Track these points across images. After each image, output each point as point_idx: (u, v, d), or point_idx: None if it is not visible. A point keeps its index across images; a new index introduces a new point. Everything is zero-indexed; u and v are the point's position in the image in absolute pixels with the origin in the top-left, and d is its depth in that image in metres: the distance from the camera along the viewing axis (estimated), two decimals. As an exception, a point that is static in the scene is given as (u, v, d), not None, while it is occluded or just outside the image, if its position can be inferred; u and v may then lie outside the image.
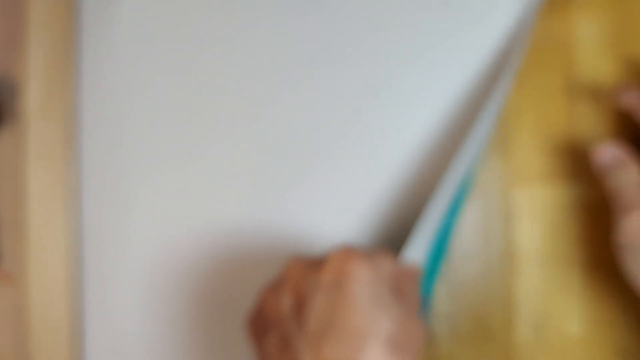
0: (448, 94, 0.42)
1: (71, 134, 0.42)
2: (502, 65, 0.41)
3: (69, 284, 0.41)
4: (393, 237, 0.42)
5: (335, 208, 0.41)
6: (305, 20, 0.42)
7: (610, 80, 0.43)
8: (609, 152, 0.39)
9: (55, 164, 0.41)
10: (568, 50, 0.43)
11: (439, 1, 0.42)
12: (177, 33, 0.42)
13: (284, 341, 0.26)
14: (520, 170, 0.43)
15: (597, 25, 0.43)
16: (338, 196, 0.42)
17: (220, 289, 0.41)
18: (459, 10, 0.42)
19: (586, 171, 0.43)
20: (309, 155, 0.42)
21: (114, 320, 0.42)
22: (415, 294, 0.30)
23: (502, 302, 0.42)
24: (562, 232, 0.43)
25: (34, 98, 0.41)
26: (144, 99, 0.42)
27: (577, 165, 0.43)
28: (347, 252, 0.27)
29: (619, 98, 0.40)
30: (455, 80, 0.43)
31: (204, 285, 0.41)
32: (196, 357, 0.41)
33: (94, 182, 0.42)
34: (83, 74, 0.42)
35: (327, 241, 0.40)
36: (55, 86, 0.42)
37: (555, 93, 0.43)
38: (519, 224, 0.43)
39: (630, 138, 0.43)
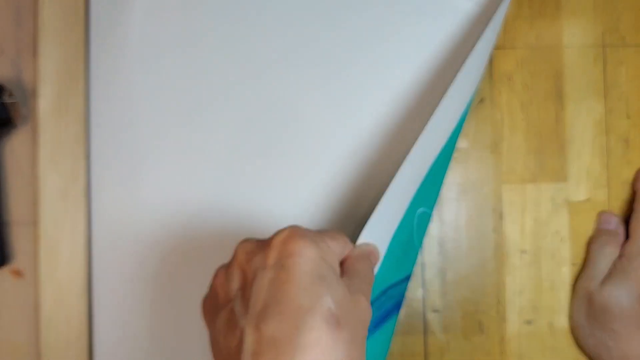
0: (409, 79, 0.43)
1: (82, 135, 0.43)
2: (463, 51, 0.41)
3: (80, 280, 0.42)
4: (353, 221, 0.43)
5: (295, 191, 0.43)
6: (281, 20, 0.44)
7: (599, 86, 0.45)
8: (613, 222, 0.43)
9: (67, 164, 0.42)
10: (558, 55, 0.45)
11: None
12: (181, 38, 0.44)
13: (231, 320, 0.26)
14: (512, 170, 0.44)
15: (587, 30, 0.45)
16: (298, 180, 0.43)
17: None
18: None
19: (577, 172, 0.45)
20: (273, 140, 0.43)
21: (123, 314, 0.42)
22: (365, 274, 0.30)
23: (494, 297, 0.44)
24: (551, 229, 0.44)
25: (47, 101, 0.42)
26: (150, 101, 0.43)
27: (566, 166, 0.45)
28: (292, 233, 0.27)
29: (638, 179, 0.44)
30: (413, 66, 0.44)
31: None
32: (203, 353, 0.42)
33: (104, 182, 0.43)
34: (94, 77, 0.43)
35: (286, 223, 0.41)
36: (68, 89, 0.43)
37: (545, 97, 0.45)
38: (510, 222, 0.44)
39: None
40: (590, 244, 0.44)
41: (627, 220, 0.43)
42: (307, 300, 0.25)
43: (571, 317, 0.43)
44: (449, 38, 0.44)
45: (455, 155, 0.44)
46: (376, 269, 0.33)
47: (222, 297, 0.28)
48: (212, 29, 0.44)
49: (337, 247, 0.29)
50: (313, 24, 0.44)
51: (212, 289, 0.29)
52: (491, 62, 0.45)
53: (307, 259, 0.26)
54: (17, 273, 0.43)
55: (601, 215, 0.44)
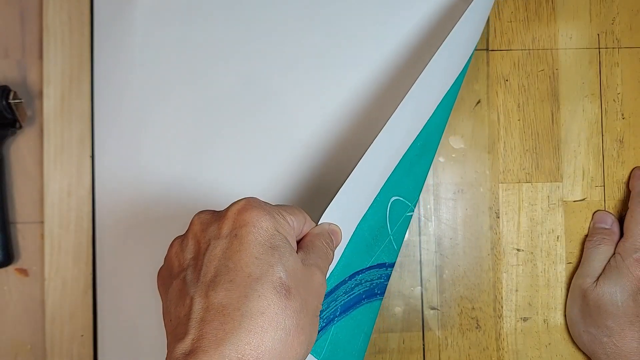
0: (382, 61, 0.44)
1: (87, 135, 0.43)
2: (441, 35, 0.41)
3: (84, 278, 0.43)
4: (321, 199, 0.43)
5: (262, 166, 0.43)
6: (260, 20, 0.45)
7: (594, 87, 0.45)
8: (609, 220, 0.44)
9: (72, 164, 0.43)
10: (554, 57, 0.46)
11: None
12: (182, 41, 0.44)
13: (182, 290, 0.26)
14: (508, 170, 0.45)
15: (583, 32, 0.46)
16: (264, 154, 0.43)
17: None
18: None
19: (572, 172, 0.45)
20: (240, 117, 0.44)
21: (127, 312, 0.43)
22: (323, 251, 0.30)
23: (491, 294, 0.45)
24: (547, 228, 0.45)
25: (52, 102, 0.43)
26: (152, 102, 0.44)
27: (562, 166, 0.45)
28: (247, 204, 0.28)
29: (634, 179, 0.45)
30: (389, 48, 0.44)
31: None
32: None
33: (108, 181, 0.43)
34: (98, 79, 0.44)
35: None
36: (72, 91, 0.43)
37: (541, 98, 0.45)
38: (506, 221, 0.45)
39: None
40: (585, 242, 0.44)
41: (621, 219, 0.44)
42: (258, 269, 0.25)
43: (566, 314, 0.44)
44: (425, 20, 0.44)
45: (452, 155, 0.45)
46: (340, 250, 0.33)
47: (176, 266, 0.28)
48: (212, 32, 0.44)
49: (295, 222, 0.29)
50: (300, 16, 0.44)
51: (167, 259, 0.29)
52: (488, 64, 0.45)
53: (260, 229, 0.27)
54: (22, 271, 0.44)
55: (596, 214, 0.45)
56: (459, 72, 0.40)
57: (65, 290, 0.42)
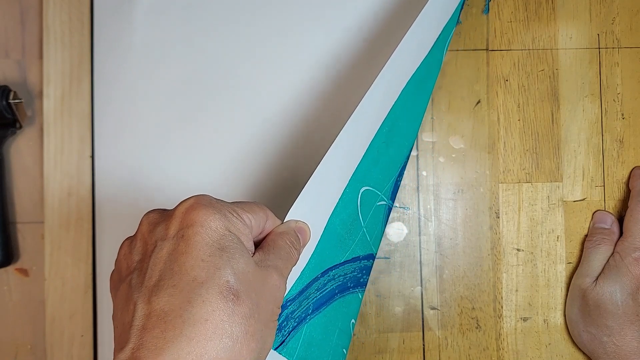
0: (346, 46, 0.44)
1: (87, 135, 0.43)
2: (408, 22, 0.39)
3: (84, 278, 0.43)
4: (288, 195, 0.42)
5: (219, 161, 0.43)
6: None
7: (594, 87, 0.46)
8: (608, 220, 0.44)
9: (72, 164, 0.43)
10: (554, 57, 0.46)
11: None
12: (182, 40, 0.44)
13: (127, 294, 0.25)
14: (508, 170, 0.45)
15: (582, 32, 0.46)
16: (221, 149, 0.43)
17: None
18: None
19: (572, 172, 0.45)
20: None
21: None
22: (286, 251, 0.28)
23: (491, 294, 0.45)
24: (547, 228, 0.45)
25: (52, 102, 0.43)
26: (152, 101, 0.44)
27: (562, 166, 0.45)
28: (196, 202, 0.26)
29: (634, 178, 0.45)
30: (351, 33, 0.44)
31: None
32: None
33: (108, 182, 0.44)
34: (98, 79, 0.44)
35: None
36: (72, 91, 0.43)
37: (541, 98, 0.45)
38: (506, 221, 0.45)
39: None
40: (585, 242, 0.44)
41: (621, 219, 0.44)
42: (204, 272, 0.24)
43: (566, 314, 0.44)
44: (390, 3, 0.44)
45: (452, 155, 0.45)
46: (312, 247, 0.32)
47: (124, 269, 0.27)
48: (211, 32, 0.44)
49: (253, 220, 0.28)
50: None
51: (117, 262, 0.28)
52: (488, 64, 0.45)
53: (208, 229, 0.25)
54: (23, 271, 0.44)
55: (596, 214, 0.45)
56: (424, 57, 0.39)
57: (65, 290, 0.42)
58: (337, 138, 0.33)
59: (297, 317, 0.31)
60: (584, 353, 0.44)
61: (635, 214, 0.42)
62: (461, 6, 0.42)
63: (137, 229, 0.28)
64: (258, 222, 0.28)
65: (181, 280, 0.24)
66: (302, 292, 0.31)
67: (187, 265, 0.24)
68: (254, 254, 0.27)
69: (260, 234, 0.29)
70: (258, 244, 0.29)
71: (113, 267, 0.42)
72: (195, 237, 0.25)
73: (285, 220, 0.30)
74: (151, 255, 0.25)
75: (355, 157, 0.35)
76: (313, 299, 0.33)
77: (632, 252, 0.41)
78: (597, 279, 0.42)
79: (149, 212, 0.28)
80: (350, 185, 0.35)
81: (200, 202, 0.26)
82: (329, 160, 0.32)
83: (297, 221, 0.30)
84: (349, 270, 0.37)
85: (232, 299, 0.24)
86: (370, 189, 0.37)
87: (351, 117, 0.33)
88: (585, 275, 0.42)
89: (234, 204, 0.28)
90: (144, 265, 0.25)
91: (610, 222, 0.44)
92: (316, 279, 0.33)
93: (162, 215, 0.27)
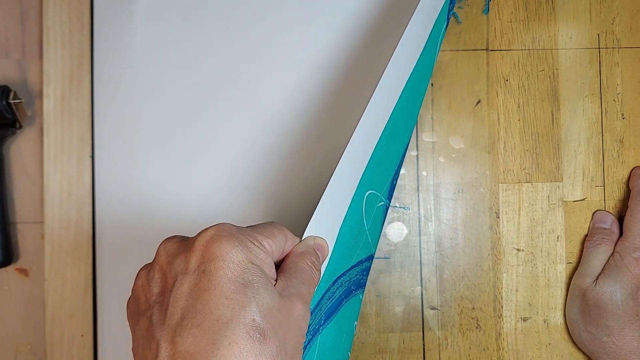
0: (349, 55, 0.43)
1: (87, 135, 0.43)
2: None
3: (84, 278, 0.43)
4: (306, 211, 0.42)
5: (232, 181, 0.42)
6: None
7: (594, 87, 0.45)
8: (608, 220, 0.44)
9: (72, 164, 0.43)
10: (554, 57, 0.46)
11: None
12: (183, 40, 0.44)
13: (149, 330, 0.24)
14: (508, 170, 0.45)
15: (583, 32, 0.46)
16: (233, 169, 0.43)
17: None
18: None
19: (572, 172, 0.45)
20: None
21: (126, 313, 0.43)
22: (308, 274, 0.27)
23: (491, 294, 0.45)
24: (547, 228, 0.45)
25: (52, 102, 0.43)
26: (152, 102, 0.44)
27: (562, 166, 0.45)
28: (216, 233, 0.25)
29: (634, 178, 0.45)
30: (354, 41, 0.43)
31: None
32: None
33: (108, 182, 0.44)
34: (98, 79, 0.44)
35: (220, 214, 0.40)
36: (72, 91, 0.43)
37: (541, 98, 0.45)
38: (506, 221, 0.45)
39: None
40: (585, 242, 0.44)
41: (621, 219, 0.44)
42: (229, 310, 0.23)
43: (566, 314, 0.44)
44: (390, 9, 0.44)
45: (452, 155, 0.45)
46: (325, 263, 0.31)
47: (143, 301, 0.26)
48: (211, 32, 0.44)
49: (273, 245, 0.27)
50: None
51: (134, 292, 0.27)
52: (488, 64, 0.45)
53: (231, 263, 0.24)
54: (23, 271, 0.44)
55: (596, 214, 0.45)
56: (419, 56, 0.39)
57: (66, 290, 0.42)
58: (346, 148, 0.32)
59: (312, 330, 0.31)
60: (584, 353, 0.44)
61: (635, 214, 0.42)
62: (450, 2, 0.42)
63: (155, 259, 0.27)
64: (278, 246, 0.27)
65: (205, 319, 0.23)
66: (317, 306, 0.31)
67: (211, 303, 0.23)
68: (276, 280, 0.26)
69: (280, 255, 0.28)
70: (278, 265, 0.28)
71: (113, 267, 0.43)
72: (217, 273, 0.24)
73: (303, 238, 0.29)
74: (172, 290, 0.24)
75: (362, 163, 0.35)
76: (324, 309, 0.32)
77: (632, 252, 0.41)
78: (597, 279, 0.42)
79: (166, 240, 0.27)
80: (358, 191, 0.35)
81: (221, 233, 0.25)
82: (340, 171, 0.32)
83: (315, 238, 0.30)
84: (354, 274, 0.36)
85: (259, 338, 0.23)
86: (374, 192, 0.37)
87: (359, 124, 0.33)
88: (585, 275, 0.42)
89: (253, 229, 0.27)
90: (164, 300, 0.25)
91: (610, 222, 0.44)
92: (328, 289, 0.32)
93: (181, 246, 0.26)
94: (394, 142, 0.39)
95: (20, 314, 0.43)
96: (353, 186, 0.34)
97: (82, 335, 0.42)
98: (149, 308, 0.25)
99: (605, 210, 0.45)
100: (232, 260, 0.24)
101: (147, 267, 0.27)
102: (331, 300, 0.33)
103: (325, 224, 0.31)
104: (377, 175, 0.37)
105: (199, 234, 0.25)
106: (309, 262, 0.28)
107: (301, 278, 0.27)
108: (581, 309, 0.42)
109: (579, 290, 0.43)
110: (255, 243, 0.26)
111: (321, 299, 0.32)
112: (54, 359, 0.42)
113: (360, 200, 0.35)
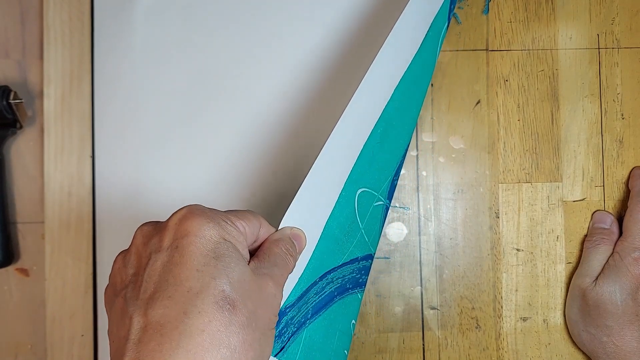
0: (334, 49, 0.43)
1: (87, 135, 0.43)
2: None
3: (85, 278, 0.43)
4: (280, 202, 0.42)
5: (212, 169, 0.43)
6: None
7: (594, 87, 0.46)
8: (607, 220, 0.44)
9: (72, 164, 0.43)
10: (554, 57, 0.46)
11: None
12: (183, 40, 0.44)
13: (123, 308, 0.25)
14: (508, 170, 0.45)
15: (582, 33, 0.46)
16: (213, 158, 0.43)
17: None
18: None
19: (572, 172, 0.45)
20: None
21: None
22: (282, 259, 0.28)
23: (490, 294, 0.45)
24: (547, 228, 0.45)
25: (52, 102, 0.43)
26: (152, 101, 0.44)
27: (562, 166, 0.45)
28: (189, 212, 0.26)
29: (634, 178, 0.45)
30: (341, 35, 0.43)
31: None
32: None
33: (109, 181, 0.44)
34: (98, 79, 0.44)
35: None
36: (72, 91, 0.43)
37: (541, 98, 0.45)
38: (506, 221, 0.45)
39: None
40: (584, 242, 0.44)
41: (621, 219, 0.44)
42: (199, 282, 0.23)
43: (566, 314, 0.44)
44: (389, 10, 0.44)
45: (452, 155, 0.45)
46: (309, 252, 0.32)
47: (119, 283, 0.26)
48: (211, 32, 0.44)
49: (247, 227, 0.27)
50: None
51: (111, 276, 0.27)
52: (487, 64, 0.45)
53: (202, 238, 0.25)
54: (23, 271, 0.44)
55: (595, 214, 0.45)
56: (414, 55, 0.39)
57: (66, 290, 0.42)
58: (326, 142, 0.32)
59: (297, 322, 0.31)
60: (583, 353, 0.44)
61: (634, 214, 0.42)
62: (450, 3, 0.42)
63: (131, 243, 0.27)
64: (252, 229, 0.28)
65: (176, 291, 0.23)
66: (300, 297, 0.31)
67: (182, 276, 0.24)
68: (249, 262, 0.27)
69: (254, 242, 0.29)
70: (253, 253, 0.28)
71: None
72: (189, 247, 0.24)
73: (279, 228, 0.30)
74: (145, 268, 0.25)
75: (349, 159, 0.35)
76: (312, 303, 0.33)
77: (631, 252, 0.41)
78: (596, 279, 0.42)
79: (142, 225, 0.28)
80: (347, 188, 0.35)
81: (193, 211, 0.26)
82: (320, 164, 0.32)
83: (292, 228, 0.30)
84: (348, 272, 0.37)
85: (229, 308, 0.23)
86: (367, 190, 0.37)
87: (339, 120, 0.33)
88: (585, 275, 0.42)
89: (227, 212, 0.27)
90: (138, 279, 0.25)
91: (609, 222, 0.44)
92: (314, 283, 0.33)
93: (155, 228, 0.27)
94: (391, 141, 0.39)
95: (20, 314, 0.43)
96: (340, 182, 0.34)
97: (82, 335, 0.42)
98: (124, 288, 0.26)
99: (604, 210, 0.45)
100: (204, 235, 0.25)
101: (124, 252, 0.28)
102: (320, 296, 0.33)
103: (307, 217, 0.31)
104: (370, 174, 0.37)
105: (172, 215, 0.26)
106: (283, 249, 0.29)
107: (275, 261, 0.28)
108: (581, 309, 0.42)
109: (578, 290, 0.43)
110: (228, 222, 0.26)
111: (306, 291, 0.32)
112: (54, 359, 0.42)
113: (350, 197, 0.35)
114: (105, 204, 0.43)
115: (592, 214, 0.45)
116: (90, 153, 0.43)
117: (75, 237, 0.43)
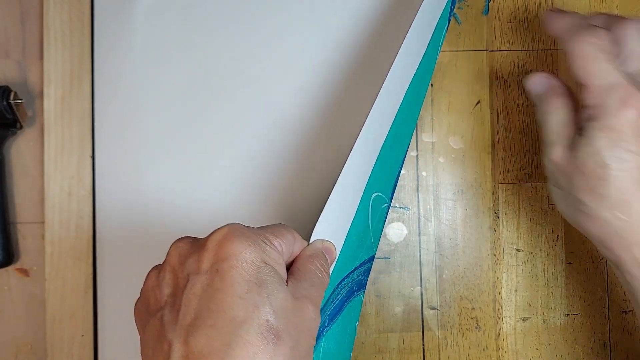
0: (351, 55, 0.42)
1: (87, 135, 0.43)
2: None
3: (85, 278, 0.43)
4: (311, 215, 0.42)
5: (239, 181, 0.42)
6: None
7: (591, 88, 0.45)
8: (542, 81, 0.37)
9: (72, 165, 0.43)
10: (554, 57, 0.46)
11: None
12: (183, 40, 0.44)
13: (160, 332, 0.24)
14: (508, 170, 0.45)
15: (579, 36, 0.46)
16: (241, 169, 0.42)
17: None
18: None
19: (569, 172, 0.45)
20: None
21: (128, 312, 0.42)
22: (317, 277, 0.27)
23: (490, 294, 0.45)
24: (546, 229, 0.45)
25: (52, 102, 0.43)
26: (153, 102, 0.44)
27: (561, 166, 0.45)
28: (229, 232, 0.25)
29: (550, 24, 0.37)
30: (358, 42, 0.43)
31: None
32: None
33: (109, 182, 0.44)
34: (98, 79, 0.44)
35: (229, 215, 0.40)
36: (73, 91, 0.43)
37: (540, 99, 0.45)
38: (506, 221, 0.45)
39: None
40: (537, 115, 0.38)
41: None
42: (242, 311, 0.23)
43: (558, 209, 0.37)
44: (392, 9, 0.44)
45: (452, 155, 0.45)
46: (332, 266, 0.31)
47: (152, 302, 0.26)
48: (212, 32, 0.44)
49: (283, 245, 0.27)
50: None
51: (143, 293, 0.27)
52: (487, 64, 0.45)
53: (244, 263, 0.24)
54: (23, 271, 0.44)
55: (528, 81, 0.37)
56: (421, 57, 0.38)
57: (66, 290, 0.42)
58: (352, 150, 0.32)
59: (318, 334, 0.30)
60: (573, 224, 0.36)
61: (575, 52, 0.34)
62: (451, 3, 0.42)
63: (166, 259, 0.26)
64: (288, 247, 0.27)
65: (219, 319, 0.23)
66: (322, 309, 0.31)
67: (225, 303, 0.23)
68: (287, 281, 0.26)
69: (289, 257, 0.28)
70: (287, 268, 0.28)
71: (113, 267, 0.43)
72: (230, 272, 0.23)
73: (311, 241, 0.29)
74: (184, 290, 0.24)
75: (369, 165, 0.34)
76: (328, 311, 0.32)
77: (601, 100, 0.32)
78: (571, 143, 0.34)
79: (177, 241, 0.27)
80: (365, 193, 0.34)
81: (234, 232, 0.25)
82: (346, 173, 0.31)
83: (323, 241, 0.29)
84: (356, 275, 0.36)
85: (273, 339, 0.23)
86: (379, 194, 0.37)
87: (364, 126, 0.32)
88: (555, 145, 0.34)
89: (263, 230, 0.27)
90: (176, 301, 0.24)
91: (546, 81, 0.37)
92: (332, 292, 0.32)
93: (192, 246, 0.26)
94: (397, 143, 0.39)
95: (20, 314, 0.43)
96: (361, 189, 0.34)
97: (82, 335, 0.42)
98: (160, 309, 0.25)
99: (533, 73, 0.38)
100: (245, 259, 0.24)
101: (158, 268, 0.27)
102: (334, 302, 0.33)
103: (333, 227, 0.30)
104: (382, 177, 0.37)
105: (211, 234, 0.25)
106: (318, 265, 0.28)
107: (311, 281, 0.27)
108: (568, 191, 0.34)
109: (554, 166, 0.35)
110: (267, 243, 0.26)
111: (327, 302, 0.31)
112: (54, 359, 0.42)
113: (367, 202, 0.35)
114: (105, 204, 0.43)
115: (525, 84, 0.38)
116: (90, 153, 0.43)
117: (75, 237, 0.43)
